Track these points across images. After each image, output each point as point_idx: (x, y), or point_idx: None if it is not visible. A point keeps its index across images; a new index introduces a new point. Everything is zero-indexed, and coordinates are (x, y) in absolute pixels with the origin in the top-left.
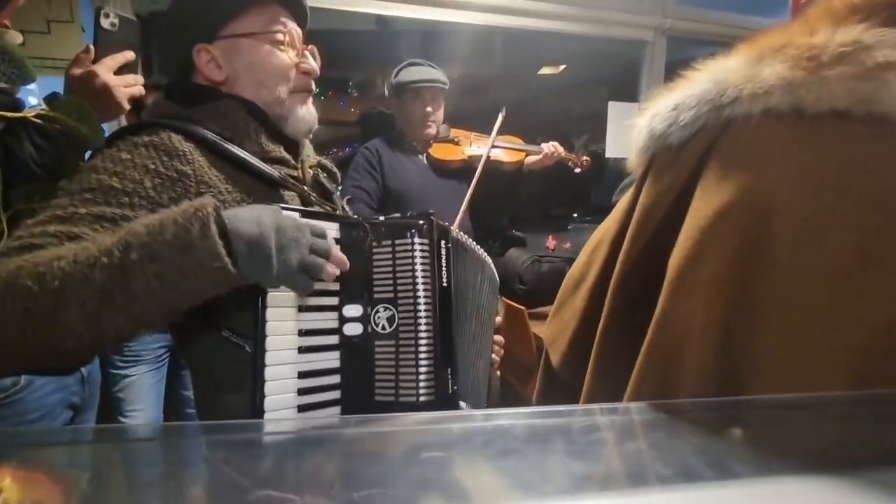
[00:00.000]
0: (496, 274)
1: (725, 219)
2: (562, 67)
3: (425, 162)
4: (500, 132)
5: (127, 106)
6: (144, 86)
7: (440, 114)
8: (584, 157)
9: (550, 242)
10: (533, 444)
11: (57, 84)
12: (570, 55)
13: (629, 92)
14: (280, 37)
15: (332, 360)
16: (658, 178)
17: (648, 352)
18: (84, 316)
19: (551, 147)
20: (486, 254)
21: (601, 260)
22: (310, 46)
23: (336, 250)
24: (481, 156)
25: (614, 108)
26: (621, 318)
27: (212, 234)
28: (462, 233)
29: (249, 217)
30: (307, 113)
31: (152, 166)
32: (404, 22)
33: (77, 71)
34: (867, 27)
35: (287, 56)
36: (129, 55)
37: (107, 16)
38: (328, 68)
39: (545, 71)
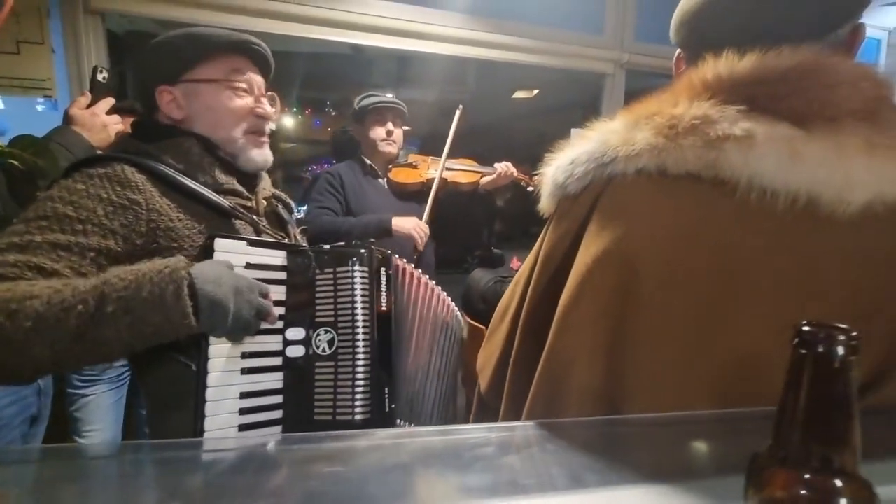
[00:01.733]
0: (448, 299)
1: (602, 264)
2: (535, 92)
3: (385, 186)
4: (456, 156)
5: (113, 137)
6: (121, 109)
7: (400, 133)
8: (537, 177)
9: (515, 263)
10: (420, 460)
11: (24, 103)
12: (543, 80)
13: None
14: (239, 84)
15: (275, 380)
16: (558, 224)
17: (539, 380)
18: (51, 353)
19: (504, 167)
20: (432, 282)
21: (519, 295)
22: (269, 94)
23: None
24: (437, 178)
25: (577, 136)
26: (528, 349)
27: (184, 296)
28: (407, 261)
29: (214, 278)
30: (259, 155)
31: (105, 195)
32: (379, 48)
33: (77, 110)
34: (714, 104)
35: (244, 101)
36: (111, 100)
37: (101, 71)
38: (306, 89)
39: (519, 95)
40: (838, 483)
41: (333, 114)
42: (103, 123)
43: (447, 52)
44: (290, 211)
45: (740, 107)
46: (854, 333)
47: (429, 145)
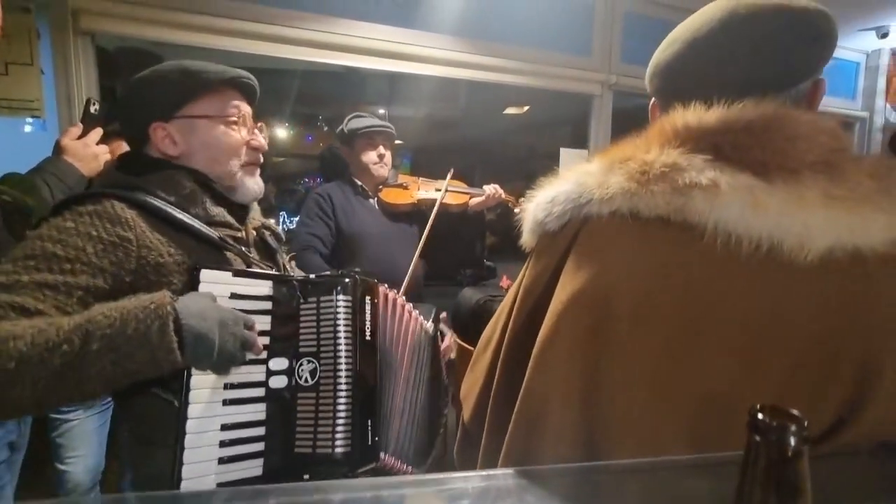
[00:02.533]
0: (428, 326)
1: (577, 304)
2: (526, 108)
3: (376, 206)
4: (447, 176)
5: (101, 166)
6: (109, 133)
7: (389, 156)
8: (523, 199)
9: (504, 282)
10: None
11: (12, 123)
12: (534, 97)
13: (587, 134)
14: (233, 118)
15: (257, 412)
16: (538, 260)
17: (517, 419)
18: (33, 393)
19: (492, 189)
20: (417, 312)
21: (501, 325)
22: (259, 124)
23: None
24: (428, 199)
25: (565, 154)
26: (508, 383)
27: (169, 332)
28: (394, 290)
29: (198, 312)
30: (255, 184)
31: (94, 233)
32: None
33: (69, 140)
34: (682, 152)
35: (239, 134)
36: (101, 130)
37: (93, 104)
38: (298, 104)
39: (510, 111)
40: None
41: (325, 129)
42: (94, 154)
43: (438, 73)
44: (279, 240)
45: (706, 156)
46: (805, 423)
47: (420, 159)
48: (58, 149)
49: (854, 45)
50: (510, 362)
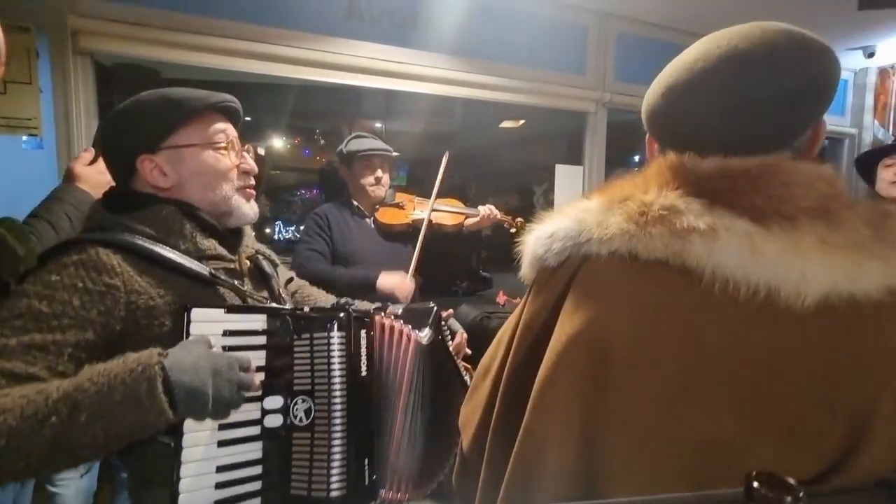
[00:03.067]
0: (424, 340)
1: (576, 345)
2: (521, 122)
3: (372, 225)
4: (442, 196)
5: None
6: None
7: (387, 178)
8: (519, 219)
9: (501, 298)
10: None
11: (9, 141)
12: (529, 111)
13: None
14: (221, 143)
15: (253, 451)
16: (537, 295)
17: (515, 460)
18: (27, 464)
19: (488, 210)
20: (416, 332)
21: (500, 356)
22: (246, 146)
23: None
24: (424, 220)
25: (561, 171)
26: (508, 419)
27: (158, 393)
28: (392, 316)
29: (190, 365)
30: (250, 209)
31: (80, 284)
32: None
33: (81, 167)
34: (680, 194)
35: (228, 159)
36: None
37: None
38: (295, 118)
39: (506, 124)
40: None
41: (322, 143)
42: (108, 180)
43: (436, 91)
44: (275, 265)
45: (704, 200)
46: (801, 493)
47: (416, 171)
48: (70, 175)
49: (843, 64)
50: (510, 396)
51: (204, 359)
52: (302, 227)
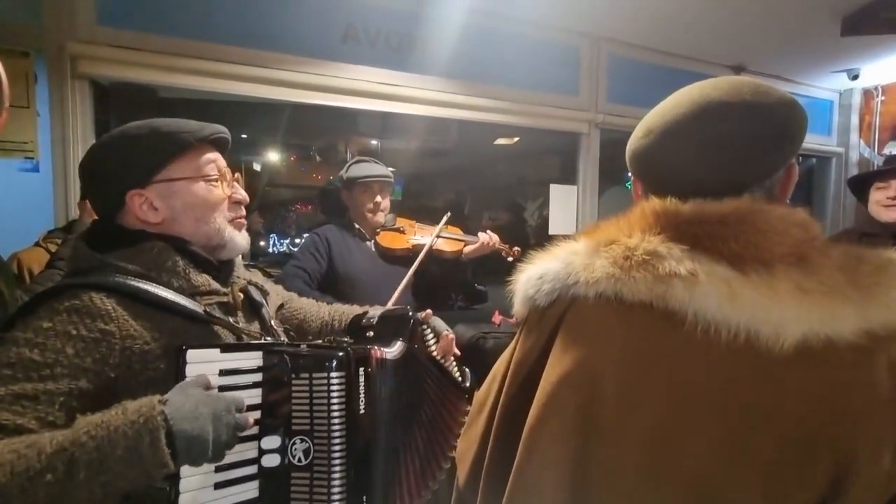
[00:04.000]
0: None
1: (566, 385)
2: (516, 139)
3: (372, 248)
4: (443, 223)
5: None
6: None
7: (387, 203)
8: (516, 248)
9: (497, 318)
10: None
11: (4, 164)
12: (524, 129)
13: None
14: (213, 175)
15: (250, 490)
16: (528, 334)
17: (512, 493)
18: None
19: (487, 237)
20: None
21: (495, 391)
22: (235, 175)
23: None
24: (424, 245)
25: (555, 191)
26: (501, 458)
27: (161, 446)
28: (395, 348)
29: (190, 412)
30: (242, 238)
31: (74, 332)
32: None
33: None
34: (663, 239)
35: (220, 190)
36: None
37: None
38: (292, 136)
39: (500, 141)
40: None
41: (319, 160)
42: None
43: (431, 113)
44: (265, 293)
45: (685, 245)
46: None
47: (412, 186)
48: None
49: (828, 85)
50: (503, 432)
51: (203, 404)
52: (297, 240)
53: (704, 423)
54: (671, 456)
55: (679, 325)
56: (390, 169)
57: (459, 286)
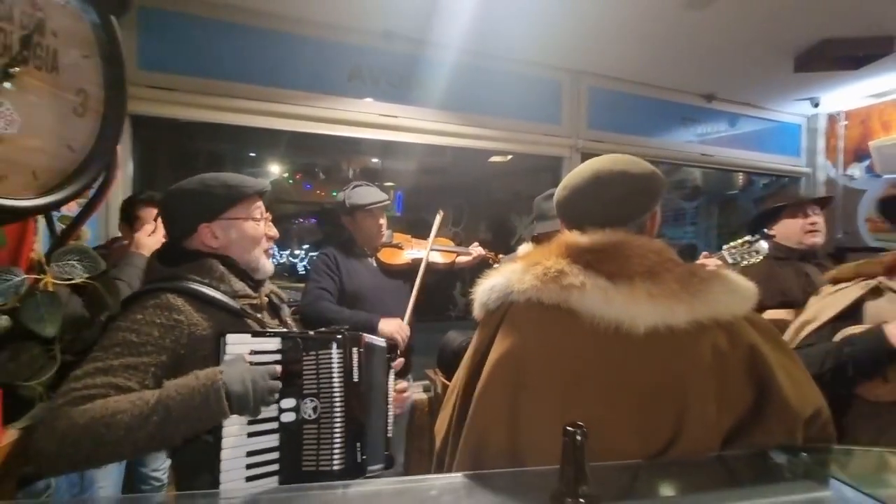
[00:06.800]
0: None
1: (503, 362)
2: (509, 157)
3: (374, 265)
4: (436, 235)
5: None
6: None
7: (385, 222)
8: (501, 256)
9: None
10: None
11: None
12: None
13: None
14: (258, 217)
15: (272, 440)
16: (482, 329)
17: (464, 441)
18: (134, 448)
19: (477, 249)
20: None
21: (461, 376)
22: (268, 214)
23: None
24: (421, 258)
25: (538, 205)
26: (461, 419)
27: (223, 399)
28: (375, 337)
29: (238, 378)
30: (269, 265)
31: (158, 321)
32: None
33: (145, 237)
34: (568, 262)
35: (261, 228)
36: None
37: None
38: (298, 155)
39: (494, 159)
40: (581, 499)
41: (323, 177)
42: (155, 245)
43: (428, 141)
44: (282, 300)
45: (580, 266)
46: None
47: (410, 199)
48: (137, 244)
49: (795, 111)
50: (464, 403)
51: (247, 372)
52: (296, 252)
53: (592, 382)
54: (571, 404)
55: (577, 319)
56: (389, 183)
57: (450, 293)
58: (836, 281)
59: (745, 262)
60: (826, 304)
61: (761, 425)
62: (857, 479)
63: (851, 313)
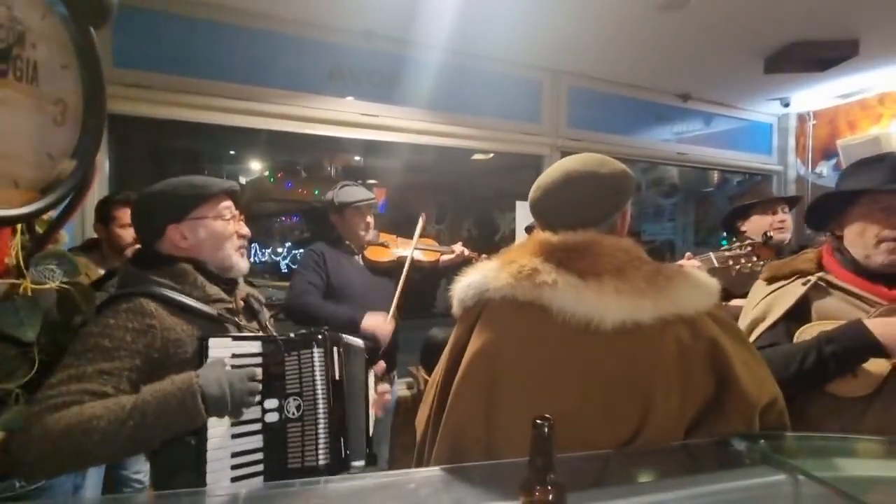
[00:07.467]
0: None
1: (479, 357)
2: (491, 154)
3: (360, 262)
4: (420, 235)
5: None
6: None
7: (372, 220)
8: (484, 255)
9: None
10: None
11: None
12: None
13: None
14: (227, 216)
15: (256, 441)
16: (460, 325)
17: (443, 432)
18: (111, 452)
19: (460, 248)
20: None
21: (440, 372)
22: (240, 213)
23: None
24: (406, 257)
25: (521, 207)
26: (440, 412)
27: (199, 402)
28: (353, 338)
29: (214, 380)
30: (244, 263)
31: (130, 325)
32: None
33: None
34: (541, 260)
35: (231, 226)
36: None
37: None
38: (279, 153)
39: (477, 157)
40: (549, 486)
41: (304, 175)
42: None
43: (410, 140)
44: (261, 303)
45: (552, 264)
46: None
47: (395, 197)
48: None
49: (767, 110)
50: (442, 397)
51: (224, 375)
52: (278, 250)
53: (563, 375)
54: (544, 397)
55: (549, 315)
56: (372, 181)
57: (435, 290)
58: (771, 280)
59: (738, 267)
60: (771, 302)
61: (722, 414)
62: (811, 464)
63: (800, 311)
